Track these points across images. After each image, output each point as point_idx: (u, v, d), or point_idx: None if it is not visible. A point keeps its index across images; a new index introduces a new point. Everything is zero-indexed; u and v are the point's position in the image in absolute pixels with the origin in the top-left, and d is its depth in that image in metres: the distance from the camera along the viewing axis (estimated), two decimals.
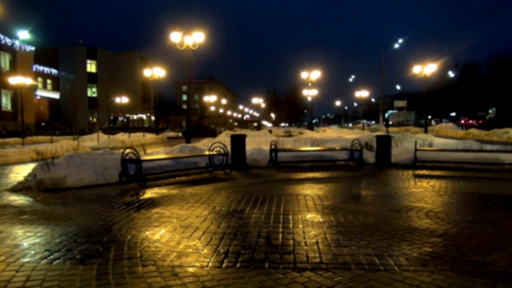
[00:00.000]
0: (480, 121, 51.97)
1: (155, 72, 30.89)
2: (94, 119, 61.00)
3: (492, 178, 9.01)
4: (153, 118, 62.51)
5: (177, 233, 4.55)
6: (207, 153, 10.23)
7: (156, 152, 12.29)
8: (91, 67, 63.82)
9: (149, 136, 29.69)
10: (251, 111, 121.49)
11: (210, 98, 60.72)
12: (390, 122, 60.15)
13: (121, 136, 27.03)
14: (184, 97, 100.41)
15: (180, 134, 39.37)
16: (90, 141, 24.54)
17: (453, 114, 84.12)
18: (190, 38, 18.56)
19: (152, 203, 6.28)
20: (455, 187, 7.74)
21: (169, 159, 9.69)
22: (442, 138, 22.46)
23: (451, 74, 74.97)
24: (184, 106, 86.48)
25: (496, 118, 53.89)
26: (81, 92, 46.36)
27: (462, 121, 55.18)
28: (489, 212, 5.57)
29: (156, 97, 41.16)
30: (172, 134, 41.28)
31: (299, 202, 6.28)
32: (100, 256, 3.77)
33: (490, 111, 65.27)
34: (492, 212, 5.57)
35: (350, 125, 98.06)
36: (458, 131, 33.57)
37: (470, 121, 55.57)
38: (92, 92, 63.10)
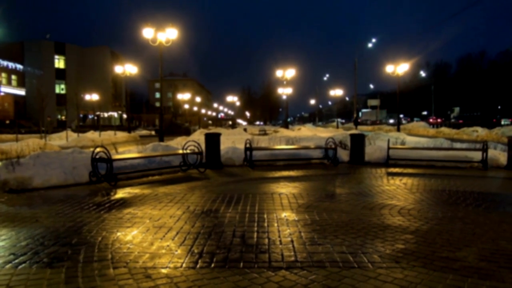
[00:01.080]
0: (451, 120, 53.84)
1: (126, 69, 30.31)
2: (63, 117, 59.31)
3: (462, 175, 9.33)
4: (125, 116, 61.40)
5: (150, 233, 4.48)
6: (181, 151, 10.13)
7: (128, 151, 12.08)
8: (59, 62, 61.96)
9: (121, 135, 29.13)
10: (225, 109, 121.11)
11: (184, 96, 60.14)
12: (359, 121, 61.39)
13: (91, 135, 26.40)
14: (157, 95, 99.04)
15: (153, 133, 38.85)
16: (58, 140, 23.86)
17: (424, 113, 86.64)
18: (163, 35, 18.31)
19: (124, 203, 6.17)
20: (427, 184, 7.97)
21: (142, 158, 9.54)
22: (414, 137, 23.09)
23: (422, 73, 77.11)
24: (157, 104, 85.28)
25: (459, 117, 56.14)
26: (49, 89, 44.97)
27: (431, 120, 56.93)
28: (459, 208, 5.76)
29: (128, 94, 40.35)
30: (144, 132, 40.68)
31: (274, 200, 6.31)
32: (69, 259, 3.67)
33: (454, 110, 67.88)
34: (462, 208, 5.76)
35: (320, 123, 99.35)
36: (430, 130, 34.55)
37: (439, 120, 57.40)
38: (60, 88, 61.30)
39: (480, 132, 25.92)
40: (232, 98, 71.50)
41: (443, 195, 6.85)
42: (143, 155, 9.61)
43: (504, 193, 7.24)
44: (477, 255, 3.79)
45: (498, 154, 11.37)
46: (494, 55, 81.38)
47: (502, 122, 43.57)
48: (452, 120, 54.34)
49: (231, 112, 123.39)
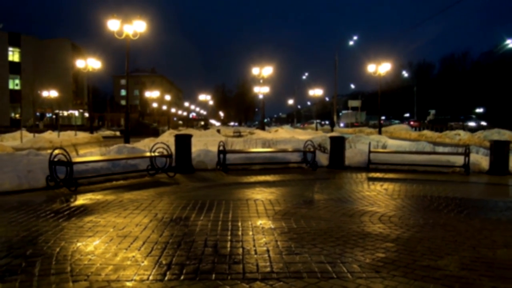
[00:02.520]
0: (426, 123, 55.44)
1: (89, 63, 29.74)
2: (17, 115, 57.55)
3: (444, 180, 9.61)
4: (86, 114, 60.14)
5: (114, 243, 4.41)
6: (148, 154, 10.02)
7: (90, 153, 11.86)
8: (14, 55, 60.16)
9: (82, 135, 28.52)
10: (197, 109, 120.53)
11: (152, 94, 59.48)
12: (342, 124, 62.55)
13: (49, 135, 25.73)
14: (123, 92, 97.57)
15: (117, 133, 38.24)
16: (12, 140, 23.14)
17: (407, 115, 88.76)
18: (130, 27, 18.09)
19: (85, 210, 6.05)
20: (408, 190, 8.17)
21: (105, 161, 9.39)
22: (396, 140, 23.61)
23: (405, 74, 79.00)
24: (123, 102, 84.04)
25: (434, 121, 58.15)
26: (2, 84, 43.57)
27: (412, 123, 58.44)
28: (441, 215, 5.93)
29: (91, 91, 39.64)
30: (108, 133, 40.00)
31: (249, 207, 6.32)
32: (23, 272, 3.57)
33: (430, 113, 70.04)
34: (443, 215, 5.94)
35: (299, 124, 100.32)
36: (412, 133, 35.41)
37: (418, 122, 58.92)
38: (14, 84, 59.50)
39: (463, 135, 26.76)
40: (204, 97, 71.26)
41: (425, 201, 7.05)
42: (106, 158, 9.46)
43: (485, 199, 7.51)
44: (459, 263, 3.91)
45: (480, 159, 11.78)
46: (477, 55, 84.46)
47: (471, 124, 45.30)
48: (426, 122, 56.16)
49: (203, 112, 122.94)
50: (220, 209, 6.13)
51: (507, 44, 51.44)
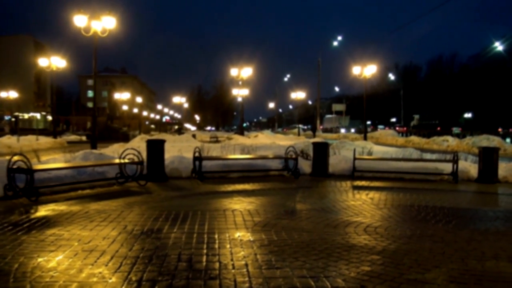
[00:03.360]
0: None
1: (53, 62, 29.24)
2: None
3: (432, 189, 9.79)
4: (50, 117, 59.03)
5: (79, 258, 4.33)
6: (117, 161, 9.90)
7: (53, 160, 11.63)
8: None
9: (45, 140, 27.96)
10: (171, 112, 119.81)
11: (122, 95, 58.87)
12: (321, 127, 63.18)
13: (8, 140, 25.13)
14: (90, 93, 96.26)
15: (84, 138, 37.68)
16: None
17: (393, 119, 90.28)
18: (99, 23, 17.89)
19: (47, 222, 5.92)
20: (395, 199, 8.29)
21: (70, 169, 9.24)
22: (382, 146, 23.96)
23: (391, 76, 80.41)
24: (90, 104, 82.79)
25: (419, 126, 59.58)
26: None
27: (397, 128, 59.58)
28: (428, 226, 6.04)
29: (55, 92, 38.89)
30: (74, 137, 39.34)
31: (226, 218, 6.31)
32: None
33: (414, 118, 71.68)
34: (431, 226, 6.05)
35: (280, 129, 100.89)
36: (398, 139, 36.02)
37: (404, 128, 60.18)
38: None
39: (451, 142, 27.37)
40: (179, 99, 70.88)
41: (412, 211, 7.16)
42: (71, 165, 9.30)
43: (474, 209, 7.68)
44: (447, 276, 3.99)
45: (468, 166, 12.06)
46: (465, 58, 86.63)
47: (454, 131, 46.60)
48: (411, 128, 57.53)
49: (178, 116, 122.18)
50: (195, 221, 6.09)
51: (495, 47, 53.00)
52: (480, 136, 27.06)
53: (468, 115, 73.24)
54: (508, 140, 30.46)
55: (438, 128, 48.63)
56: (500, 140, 24.99)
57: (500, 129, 40.35)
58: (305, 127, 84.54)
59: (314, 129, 52.03)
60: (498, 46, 52.63)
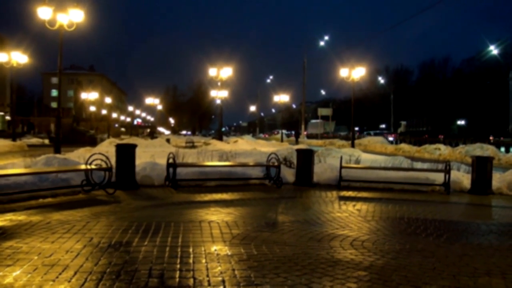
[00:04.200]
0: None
1: (14, 57, 28.76)
2: None
3: (422, 200, 9.94)
4: (8, 118, 57.94)
5: (39, 274, 4.26)
6: (83, 167, 9.79)
7: (11, 165, 11.44)
8: None
9: (2, 143, 27.46)
10: (144, 114, 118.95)
11: (89, 95, 58.24)
12: (305, 133, 63.64)
13: None
14: (54, 92, 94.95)
15: (46, 141, 37.19)
16: None
17: (382, 126, 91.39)
18: (65, 16, 17.68)
19: (3, 234, 5.81)
20: (383, 211, 8.39)
21: (30, 175, 9.08)
22: (370, 154, 24.25)
23: (381, 80, 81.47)
24: (54, 104, 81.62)
25: (406, 133, 60.67)
26: None
27: (385, 135, 60.49)
28: (418, 239, 6.12)
29: (15, 90, 38.24)
30: (35, 141, 38.75)
31: (202, 230, 6.29)
32: None
33: (401, 125, 72.94)
34: (421, 239, 6.13)
35: (261, 135, 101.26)
36: (388, 146, 36.47)
37: (393, 135, 61.15)
38: None
39: (443, 150, 27.83)
40: (152, 101, 70.50)
41: (402, 223, 7.25)
42: (32, 171, 9.17)
43: (466, 222, 7.82)
44: None
45: (461, 176, 12.29)
46: (458, 62, 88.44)
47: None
48: (399, 135, 58.61)
49: (151, 118, 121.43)
50: (168, 233, 6.06)
51: (490, 51, 54.24)
52: (473, 145, 27.59)
53: (461, 122, 74.63)
54: (502, 149, 31.08)
55: (426, 136, 49.65)
56: (494, 149, 25.49)
57: (491, 137, 41.24)
58: (289, 132, 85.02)
59: (297, 135, 52.27)
60: (493, 50, 53.93)
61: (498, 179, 11.73)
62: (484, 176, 11.27)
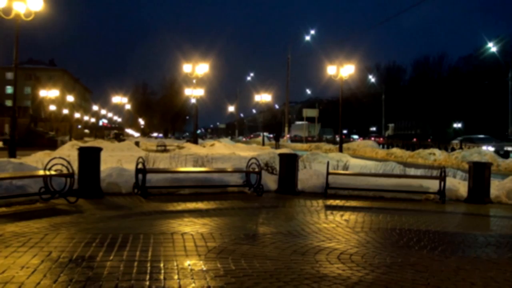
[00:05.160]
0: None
1: None
2: None
3: (416, 210, 10.06)
4: None
5: None
6: (41, 173, 9.65)
7: None
8: None
9: None
10: (110, 115, 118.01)
11: (49, 93, 57.54)
12: (288, 136, 63.97)
13: None
14: (9, 89, 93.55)
15: (0, 144, 36.64)
16: None
17: (373, 128, 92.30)
18: (22, 5, 17.45)
19: None
20: (374, 221, 8.46)
21: None
22: (359, 159, 24.46)
23: (371, 79, 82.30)
24: (8, 103, 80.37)
25: (394, 136, 61.62)
26: None
27: (372, 138, 61.18)
28: (411, 252, 6.19)
29: None
30: None
31: (174, 243, 6.25)
32: None
33: (389, 128, 73.95)
34: (414, 252, 6.20)
35: (241, 137, 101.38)
36: (379, 151, 36.86)
37: (381, 139, 61.88)
38: None
39: (438, 155, 28.26)
40: (120, 99, 69.99)
41: (393, 235, 7.33)
42: None
43: (463, 233, 7.95)
44: None
45: (457, 184, 12.47)
46: (455, 59, 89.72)
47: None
48: (387, 139, 59.45)
49: (118, 119, 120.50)
50: (136, 246, 6.01)
51: (489, 48, 55.24)
52: (470, 149, 28.07)
53: (457, 124, 75.84)
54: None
55: (414, 139, 50.44)
56: (492, 155, 25.97)
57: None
58: (271, 135, 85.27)
59: (277, 138, 52.33)
60: (492, 47, 54.92)
61: (496, 187, 11.93)
62: (482, 183, 11.43)
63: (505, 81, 57.31)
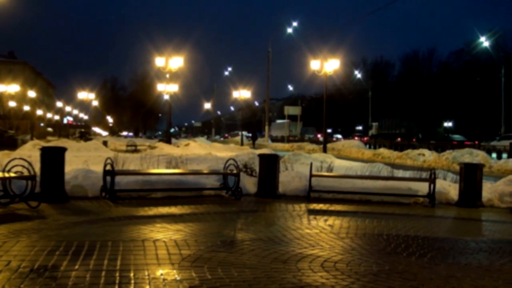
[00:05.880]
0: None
1: None
2: None
3: (404, 214, 10.18)
4: None
5: None
6: (0, 175, 9.51)
7: None
8: None
9: None
10: (76, 112, 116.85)
11: (8, 88, 56.78)
12: (273, 135, 64.11)
13: None
14: None
15: None
16: None
17: (359, 127, 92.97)
18: None
19: None
20: (359, 226, 8.53)
21: None
22: (345, 160, 24.62)
23: (357, 74, 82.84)
24: None
25: (378, 135, 62.35)
26: None
27: (356, 138, 61.73)
28: (399, 259, 6.25)
29: None
30: None
31: (146, 251, 6.22)
32: None
33: (372, 127, 74.69)
34: (402, 259, 6.27)
35: (218, 137, 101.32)
36: (365, 151, 37.14)
37: (365, 138, 62.51)
38: None
39: (428, 156, 28.57)
40: (86, 95, 69.25)
41: (380, 241, 7.39)
42: None
43: (454, 238, 8.05)
44: None
45: (448, 186, 12.62)
46: (446, 54, 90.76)
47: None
48: (369, 138, 60.17)
49: (84, 116, 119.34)
50: (104, 254, 5.96)
51: (481, 42, 56.06)
52: (461, 150, 28.42)
53: (448, 124, 76.74)
54: (494, 155, 32.16)
55: (399, 139, 51.10)
56: (484, 155, 26.34)
57: (476, 141, 42.63)
58: (250, 134, 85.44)
59: (254, 137, 52.35)
60: (484, 42, 55.78)
61: (489, 190, 12.09)
62: (474, 186, 11.58)
63: (498, 78, 58.17)
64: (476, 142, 40.74)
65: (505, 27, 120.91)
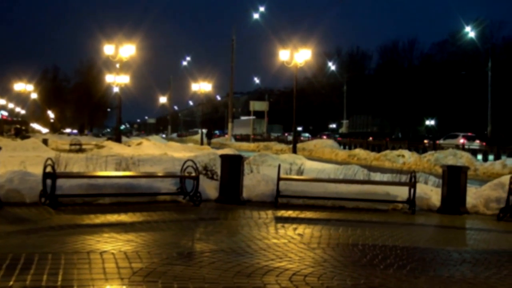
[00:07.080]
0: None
1: None
2: None
3: (381, 222, 10.29)
4: None
5: None
6: None
7: None
8: None
9: None
10: (11, 105, 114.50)
11: None
12: (236, 133, 64.12)
13: None
14: None
15: None
16: None
17: (333, 126, 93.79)
18: None
19: None
20: (332, 236, 8.60)
21: None
22: (317, 162, 24.77)
23: (332, 66, 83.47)
24: None
25: (348, 134, 63.37)
26: None
27: (325, 137, 62.47)
28: (375, 272, 6.32)
29: None
30: None
31: (91, 264, 6.15)
32: None
33: (342, 124, 75.68)
34: (379, 272, 6.33)
35: (175, 135, 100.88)
36: (339, 152, 37.48)
37: (339, 138, 63.23)
38: None
39: (408, 158, 29.01)
40: (24, 87, 68.06)
41: (355, 252, 7.46)
42: None
43: (435, 248, 8.17)
44: None
45: (429, 191, 12.81)
46: (428, 46, 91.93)
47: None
48: (337, 137, 61.09)
49: (21, 111, 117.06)
50: (43, 268, 5.87)
51: (467, 33, 57.13)
52: (445, 151, 28.94)
53: (430, 122, 78.02)
54: (479, 156, 32.80)
55: (370, 138, 51.92)
56: (469, 157, 26.86)
57: (463, 141, 43.54)
58: (216, 132, 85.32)
59: (209, 135, 52.33)
60: (470, 32, 56.86)
61: (473, 195, 12.29)
62: (457, 191, 11.75)
63: (484, 72, 59.24)
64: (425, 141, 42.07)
65: (492, 16, 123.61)
